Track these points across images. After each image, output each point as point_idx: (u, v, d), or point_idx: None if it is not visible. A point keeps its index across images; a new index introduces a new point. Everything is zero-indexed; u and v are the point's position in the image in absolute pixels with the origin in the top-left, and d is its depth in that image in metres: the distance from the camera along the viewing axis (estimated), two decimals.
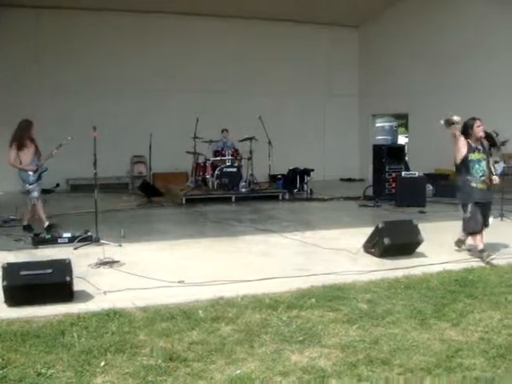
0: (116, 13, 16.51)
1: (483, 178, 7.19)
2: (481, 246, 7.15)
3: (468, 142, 7.18)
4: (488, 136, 10.37)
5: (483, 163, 7.22)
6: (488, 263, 6.91)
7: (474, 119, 7.26)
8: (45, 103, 15.57)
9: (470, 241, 7.49)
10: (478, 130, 7.20)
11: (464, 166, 7.21)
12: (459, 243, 7.68)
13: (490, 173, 7.33)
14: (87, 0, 15.73)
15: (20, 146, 8.88)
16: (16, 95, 15.30)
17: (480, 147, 7.28)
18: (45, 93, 15.93)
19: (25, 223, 9.14)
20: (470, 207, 7.12)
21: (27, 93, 15.63)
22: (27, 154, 8.94)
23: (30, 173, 8.88)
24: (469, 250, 7.54)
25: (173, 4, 16.52)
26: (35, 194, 8.97)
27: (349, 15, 18.91)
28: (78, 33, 16.31)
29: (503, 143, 9.66)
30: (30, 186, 8.91)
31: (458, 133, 7.12)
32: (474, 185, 7.16)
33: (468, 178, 7.18)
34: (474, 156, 7.17)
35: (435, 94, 16.25)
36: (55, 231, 8.47)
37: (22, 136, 8.93)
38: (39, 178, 9.05)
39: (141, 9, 16.62)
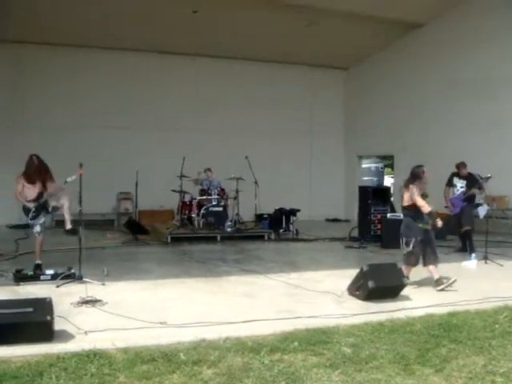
0: (106, 50, 16.77)
1: (430, 221, 8.00)
2: (436, 276, 7.92)
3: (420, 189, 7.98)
4: (472, 178, 10.57)
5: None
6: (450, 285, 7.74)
7: (421, 166, 8.09)
8: (30, 140, 15.25)
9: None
10: (429, 175, 8.02)
11: (414, 208, 7.89)
12: (438, 282, 7.89)
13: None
14: (70, 36, 15.85)
15: (28, 180, 8.75)
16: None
17: (426, 192, 8.06)
18: (30, 129, 15.91)
19: (37, 261, 8.78)
20: (414, 242, 7.86)
21: (13, 129, 15.72)
22: (31, 190, 8.76)
23: (32, 208, 8.77)
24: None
25: (157, 43, 16.79)
26: (37, 228, 8.80)
27: (337, 58, 19.31)
28: (61, 69, 16.50)
29: (487, 179, 10.17)
30: (31, 221, 8.80)
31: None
32: (420, 225, 7.92)
33: (417, 218, 7.91)
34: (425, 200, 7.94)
35: (421, 136, 16.48)
36: (40, 272, 8.31)
37: (33, 172, 8.78)
38: (47, 211, 8.88)
39: (126, 47, 16.85)
